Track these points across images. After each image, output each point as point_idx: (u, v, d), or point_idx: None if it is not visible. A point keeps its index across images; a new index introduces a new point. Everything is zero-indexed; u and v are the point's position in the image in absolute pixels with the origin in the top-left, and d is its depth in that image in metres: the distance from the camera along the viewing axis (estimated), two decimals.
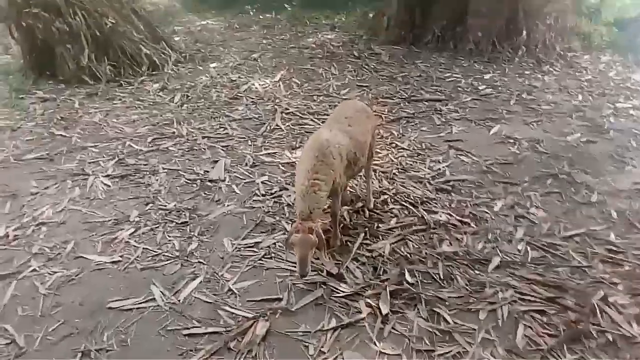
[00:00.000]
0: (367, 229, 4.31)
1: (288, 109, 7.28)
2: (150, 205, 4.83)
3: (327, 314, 3.39)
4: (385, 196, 4.83)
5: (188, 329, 3.26)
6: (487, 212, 4.61)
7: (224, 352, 3.07)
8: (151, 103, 7.76)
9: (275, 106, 7.43)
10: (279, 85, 8.32)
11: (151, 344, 3.15)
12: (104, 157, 5.94)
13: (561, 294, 3.55)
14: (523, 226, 4.37)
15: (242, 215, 4.58)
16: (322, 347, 3.10)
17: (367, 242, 4.15)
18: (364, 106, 4.39)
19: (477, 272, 3.81)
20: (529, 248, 4.08)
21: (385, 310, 3.38)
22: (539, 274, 3.76)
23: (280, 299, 3.50)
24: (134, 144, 6.24)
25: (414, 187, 5.04)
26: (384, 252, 4.00)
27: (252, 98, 7.82)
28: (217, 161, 5.70)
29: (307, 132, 6.39)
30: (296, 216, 3.56)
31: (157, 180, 5.33)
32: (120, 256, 4.03)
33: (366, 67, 9.22)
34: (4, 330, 3.27)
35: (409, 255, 3.99)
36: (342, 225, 4.33)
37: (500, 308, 3.45)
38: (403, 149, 5.96)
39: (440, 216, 4.53)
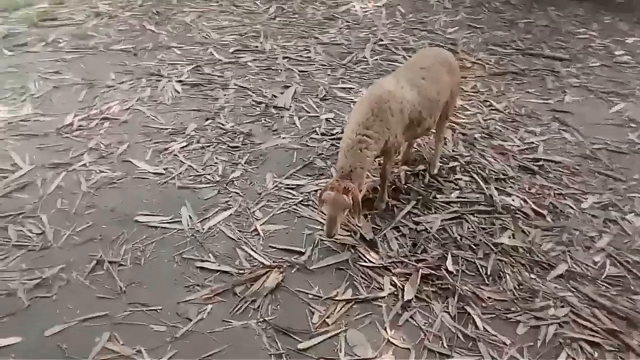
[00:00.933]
0: (421, 197, 3.84)
1: (382, 40, 6.62)
2: (210, 121, 4.70)
3: (346, 282, 3.10)
4: (456, 163, 4.25)
5: (202, 261, 3.16)
6: (572, 207, 3.89)
7: (228, 296, 2.95)
8: (245, 11, 7.46)
9: (370, 35, 6.79)
10: (381, 12, 7.57)
11: (162, 268, 3.11)
12: (183, 60, 5.86)
13: (629, 330, 2.92)
14: (610, 234, 3.64)
15: (294, 152, 4.29)
16: (327, 317, 2.85)
17: (417, 212, 3.71)
18: (449, 58, 3.73)
19: (533, 276, 3.25)
20: (608, 262, 3.40)
21: (409, 294, 3.01)
22: (609, 298, 3.12)
23: (302, 253, 3.26)
24: (215, 52, 6.07)
25: (494, 159, 4.38)
26: (431, 228, 3.55)
27: (348, 22, 7.21)
28: (288, 87, 5.36)
29: (393, 70, 5.77)
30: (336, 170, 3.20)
31: (225, 95, 5.16)
32: (165, 169, 3.99)
33: (486, 4, 8.06)
34: (39, 219, 3.40)
35: (459, 237, 3.50)
36: (393, 187, 3.90)
37: (546, 326, 2.93)
38: (497, 110, 5.18)
39: (513, 200, 3.90)
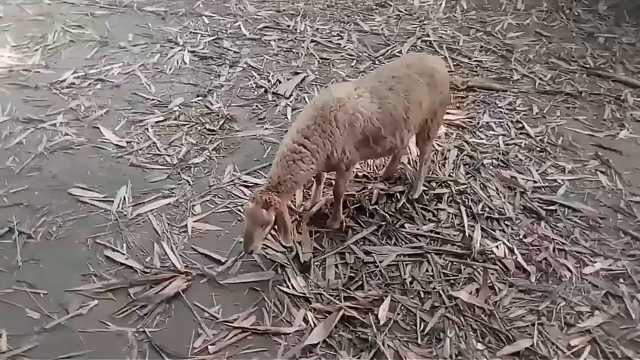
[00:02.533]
0: (384, 222, 3.32)
1: (429, 36, 5.96)
2: (199, 99, 4.44)
3: (254, 306, 2.74)
4: (445, 191, 3.65)
5: (113, 250, 2.94)
6: (569, 270, 3.19)
7: (121, 294, 2.70)
8: None
9: (418, 28, 6.14)
10: (440, 4, 6.83)
11: (70, 249, 2.93)
12: (207, 30, 5.63)
13: None
14: (607, 314, 2.93)
15: (270, 146, 3.92)
16: (212, 343, 2.51)
17: (373, 239, 3.22)
18: (433, 68, 3.08)
19: (481, 347, 2.68)
20: (587, 350, 2.72)
21: (317, 338, 2.58)
22: None
23: (221, 263, 2.93)
24: (243, 27, 5.78)
25: (497, 192, 3.72)
26: (381, 262, 3.05)
27: (400, 11, 6.59)
28: (298, 74, 4.95)
29: None
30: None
31: (229, 73, 4.88)
32: (127, 142, 3.81)
33: (567, 11, 6.99)
34: None
35: (410, 280, 2.97)
36: (358, 205, 3.41)
37: None
38: (527, 134, 4.42)
39: (498, 247, 3.27)
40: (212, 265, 2.91)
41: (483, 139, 4.31)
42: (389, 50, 5.63)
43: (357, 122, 2.75)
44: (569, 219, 3.57)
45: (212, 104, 4.37)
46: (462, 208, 3.52)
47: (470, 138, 4.29)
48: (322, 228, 3.24)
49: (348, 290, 2.85)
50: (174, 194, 3.38)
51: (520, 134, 4.45)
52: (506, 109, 4.76)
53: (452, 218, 3.45)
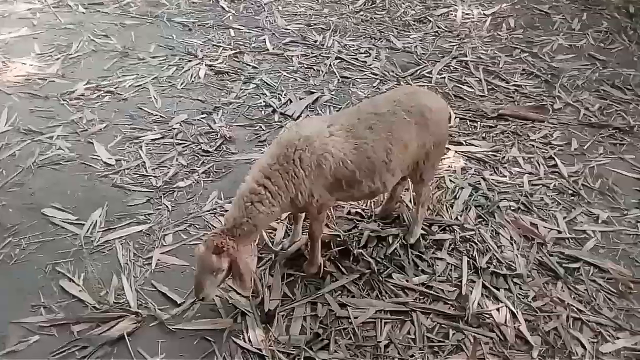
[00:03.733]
0: (369, 271, 2.96)
1: (466, 56, 5.49)
2: (204, 116, 4.28)
3: (203, 358, 2.46)
4: (448, 237, 3.23)
5: (70, 280, 2.78)
6: (583, 346, 2.69)
7: (63, 332, 2.54)
8: (331, 0, 6.81)
9: (457, 47, 5.69)
10: (485, 22, 6.32)
11: (26, 275, 2.81)
12: (230, 44, 5.49)
13: None
14: None
15: None
16: None
17: (353, 290, 2.86)
18: (428, 107, 2.65)
19: None
20: None
21: None
22: None
23: (177, 305, 2.69)
24: (268, 41, 5.59)
25: (511, 242, 3.25)
26: (356, 318, 2.69)
27: (439, 28, 6.15)
28: (312, 93, 4.67)
29: (457, 101, 4.75)
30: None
31: (240, 90, 4.69)
32: (117, 160, 3.68)
33: (630, 32, 6.24)
34: None
35: (386, 344, 2.60)
36: (342, 248, 3.07)
37: None
38: (559, 174, 3.89)
39: (499, 310, 2.82)
40: (167, 307, 2.67)
41: (505, 176, 3.82)
42: (418, 70, 5.23)
43: (325, 163, 2.43)
44: (593, 280, 3.05)
45: (214, 123, 4.18)
46: (465, 259, 3.09)
47: (490, 175, 3.82)
48: (298, 272, 2.93)
49: (310, 351, 2.52)
50: (149, 220, 3.20)
51: (552, 172, 3.92)
52: (539, 143, 4.23)
53: (450, 270, 3.03)
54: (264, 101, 4.52)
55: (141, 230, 3.12)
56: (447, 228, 3.30)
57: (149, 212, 3.27)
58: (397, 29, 6.11)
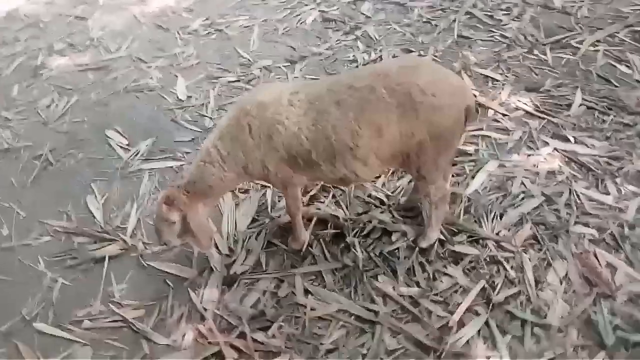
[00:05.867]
0: (352, 266, 2.60)
1: None
2: (286, 65, 4.18)
3: (153, 301, 2.56)
4: (474, 252, 2.61)
5: (95, 197, 3.12)
6: None
7: (68, 239, 2.89)
8: None
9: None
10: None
11: (70, 182, 3.24)
12: None
13: None
14: None
15: None
16: (88, 318, 2.48)
17: (327, 280, 2.57)
18: (422, 88, 2.03)
19: None
20: None
21: None
22: None
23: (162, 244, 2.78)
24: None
25: (562, 281, 2.49)
26: (311, 310, 2.44)
27: None
28: (411, 52, 4.13)
29: (596, 83, 3.70)
30: None
31: (337, 41, 4.43)
32: (188, 97, 3.89)
33: None
34: None
35: (330, 349, 2.31)
36: (339, 231, 2.75)
37: None
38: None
39: None
40: (153, 243, 2.80)
41: (609, 194, 2.86)
42: (566, 37, 4.15)
43: (276, 135, 2.12)
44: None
45: (292, 72, 4.05)
46: (481, 284, 2.47)
47: (585, 188, 2.91)
48: (283, 243, 2.74)
49: (247, 327, 2.39)
50: (184, 159, 3.33)
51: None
52: None
53: (454, 292, 2.47)
54: (353, 55, 4.16)
55: (172, 166, 3.27)
56: (479, 241, 2.66)
57: (188, 150, 3.39)
58: None
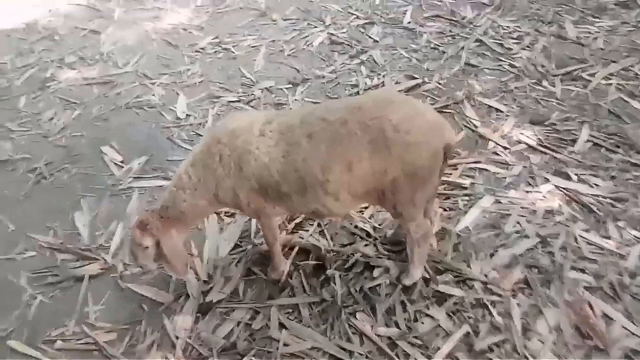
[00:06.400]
0: (330, 301, 2.51)
1: None
2: (288, 87, 4.15)
3: (127, 325, 2.52)
4: (458, 294, 2.50)
5: (82, 213, 3.11)
6: None
7: (52, 256, 2.87)
8: None
9: None
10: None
11: (64, 196, 3.25)
12: (366, 12, 5.14)
13: None
14: None
15: None
16: (60, 338, 2.45)
17: (303, 314, 2.49)
18: (395, 125, 1.96)
19: None
20: None
21: None
22: None
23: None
24: (409, 13, 5.03)
25: (553, 332, 2.36)
26: (283, 345, 2.36)
27: None
28: (414, 79, 4.06)
29: (604, 119, 3.57)
30: None
31: (342, 64, 4.39)
32: (187, 115, 3.88)
33: None
34: None
35: None
36: (320, 263, 2.67)
37: None
38: None
39: None
40: (133, 265, 2.77)
41: (609, 239, 2.71)
42: (578, 69, 4.03)
43: (245, 165, 2.07)
44: None
45: (293, 95, 4.02)
46: (462, 330, 2.35)
47: (584, 230, 2.78)
48: (263, 272, 2.68)
49: (218, 358, 2.31)
50: None
51: None
52: None
53: (433, 335, 2.35)
54: (356, 79, 4.12)
55: (162, 185, 3.25)
56: (465, 282, 2.54)
57: None
58: (582, 11, 4.77)
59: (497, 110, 3.71)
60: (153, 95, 4.13)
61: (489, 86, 3.94)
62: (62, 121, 3.91)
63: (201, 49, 4.74)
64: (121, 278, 2.72)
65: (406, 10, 5.07)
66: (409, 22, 4.88)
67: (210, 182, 2.16)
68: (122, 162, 3.47)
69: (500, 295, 2.47)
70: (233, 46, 4.74)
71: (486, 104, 3.76)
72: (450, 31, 4.70)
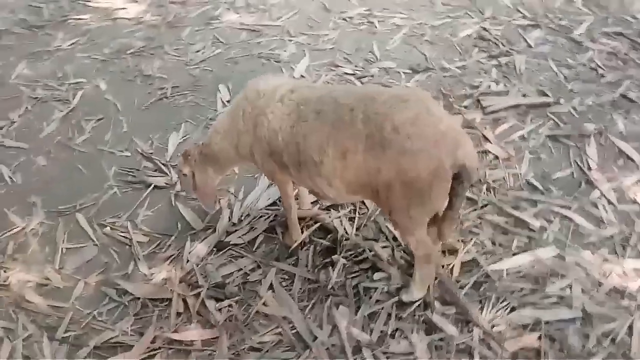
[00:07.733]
0: (323, 283, 2.51)
1: None
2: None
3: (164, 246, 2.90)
4: (450, 330, 2.27)
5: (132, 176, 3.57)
6: None
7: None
8: None
9: None
10: None
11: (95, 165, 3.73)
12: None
13: None
14: None
15: None
16: None
17: (292, 284, 2.55)
18: (397, 127, 1.80)
19: None
20: None
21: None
22: None
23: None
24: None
25: None
26: (262, 304, 2.47)
27: None
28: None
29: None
30: None
31: None
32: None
33: None
34: None
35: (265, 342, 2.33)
36: (332, 246, 2.66)
37: None
38: None
39: None
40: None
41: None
42: None
43: (259, 127, 2.12)
44: None
45: (407, 81, 3.89)
46: None
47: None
48: (282, 237, 2.78)
49: (206, 290, 2.54)
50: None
51: None
52: None
53: (402, 359, 2.20)
54: (480, 81, 3.78)
55: None
56: (466, 323, 2.28)
57: None
58: None
59: (629, 158, 3.06)
60: (285, 50, 4.39)
61: (635, 129, 3.25)
62: (205, 55, 4.44)
63: (349, 17, 4.82)
64: (176, 196, 3.09)
65: (584, 20, 4.36)
66: (580, 34, 4.21)
67: (233, 133, 2.31)
68: (228, 101, 3.83)
69: (495, 354, 2.16)
70: (379, 21, 4.70)
71: (617, 147, 3.12)
72: (625, 54, 3.93)
